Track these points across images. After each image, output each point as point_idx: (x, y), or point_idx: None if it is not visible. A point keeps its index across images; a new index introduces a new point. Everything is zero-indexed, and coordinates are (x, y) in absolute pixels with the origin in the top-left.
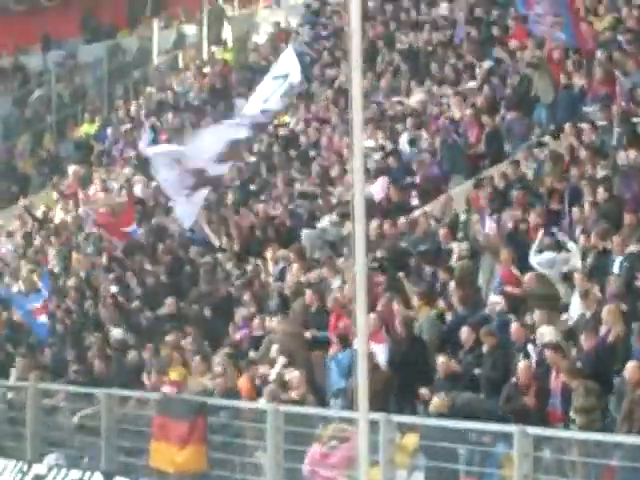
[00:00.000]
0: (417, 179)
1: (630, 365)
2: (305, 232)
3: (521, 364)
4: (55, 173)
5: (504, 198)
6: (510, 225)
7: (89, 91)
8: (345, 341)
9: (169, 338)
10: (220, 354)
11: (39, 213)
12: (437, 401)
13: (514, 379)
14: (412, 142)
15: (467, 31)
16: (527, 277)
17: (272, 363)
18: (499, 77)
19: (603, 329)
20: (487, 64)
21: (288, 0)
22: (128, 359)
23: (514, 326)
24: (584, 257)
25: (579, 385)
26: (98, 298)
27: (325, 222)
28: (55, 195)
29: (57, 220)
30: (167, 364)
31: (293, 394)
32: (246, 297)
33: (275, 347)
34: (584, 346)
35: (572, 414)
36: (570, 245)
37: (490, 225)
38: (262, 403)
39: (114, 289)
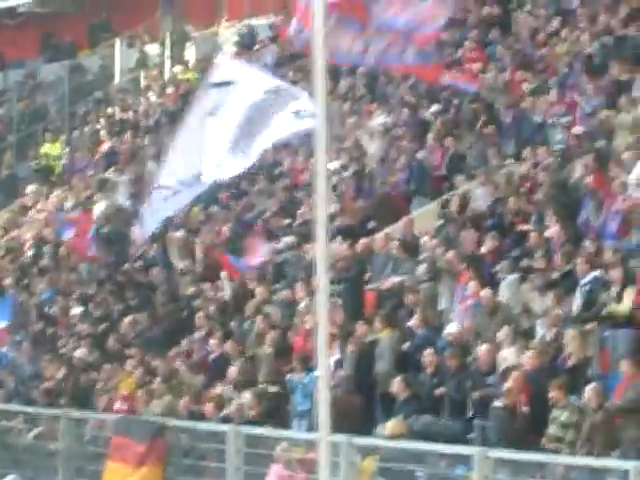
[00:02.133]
0: (379, 200)
1: (589, 388)
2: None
3: (508, 384)
4: (15, 192)
5: (466, 220)
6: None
7: (50, 111)
8: (306, 363)
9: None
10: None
11: None
12: (393, 424)
13: (499, 403)
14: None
15: None
16: None
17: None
18: (459, 102)
19: (565, 351)
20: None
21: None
22: (83, 380)
23: (483, 348)
24: (546, 280)
25: (568, 403)
26: (57, 320)
27: (284, 243)
28: (10, 215)
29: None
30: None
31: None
32: (200, 318)
33: (234, 369)
34: (533, 363)
35: (557, 431)
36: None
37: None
38: (222, 425)
39: (77, 311)
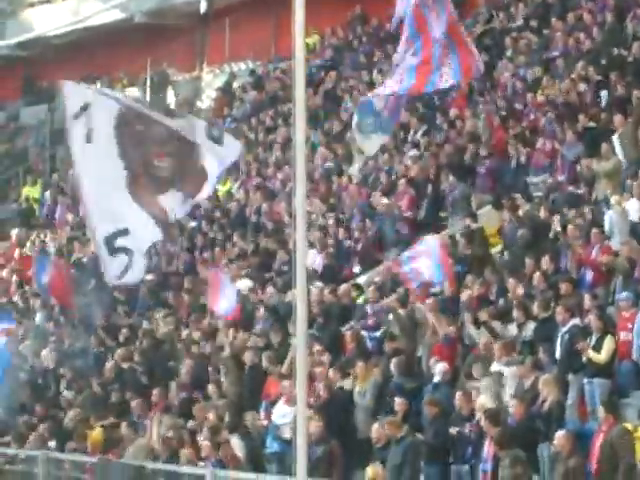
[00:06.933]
0: (358, 246)
1: (559, 434)
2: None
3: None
4: None
5: None
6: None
7: (31, 153)
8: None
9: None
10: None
11: None
12: (373, 470)
13: None
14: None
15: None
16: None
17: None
18: (437, 145)
19: (540, 397)
20: (422, 131)
21: (232, 65)
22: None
23: (458, 394)
24: (521, 328)
25: (506, 456)
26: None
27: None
28: None
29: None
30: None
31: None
32: (184, 363)
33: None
34: (516, 414)
35: None
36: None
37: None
38: (200, 468)
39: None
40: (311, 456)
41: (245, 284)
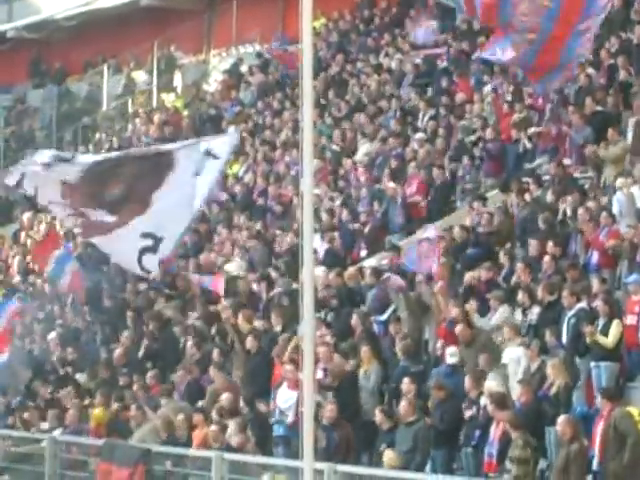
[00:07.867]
0: (365, 230)
1: (561, 419)
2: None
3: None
4: (4, 217)
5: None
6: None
7: (38, 136)
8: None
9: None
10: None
11: None
12: (391, 455)
13: None
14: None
15: (417, 82)
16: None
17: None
18: (445, 129)
19: (547, 381)
20: (429, 114)
21: (239, 48)
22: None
23: (467, 378)
24: (524, 311)
25: (518, 437)
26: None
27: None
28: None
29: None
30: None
31: (232, 441)
32: (190, 344)
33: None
34: (522, 398)
35: (508, 464)
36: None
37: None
38: (207, 451)
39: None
40: (329, 441)
41: (240, 266)
